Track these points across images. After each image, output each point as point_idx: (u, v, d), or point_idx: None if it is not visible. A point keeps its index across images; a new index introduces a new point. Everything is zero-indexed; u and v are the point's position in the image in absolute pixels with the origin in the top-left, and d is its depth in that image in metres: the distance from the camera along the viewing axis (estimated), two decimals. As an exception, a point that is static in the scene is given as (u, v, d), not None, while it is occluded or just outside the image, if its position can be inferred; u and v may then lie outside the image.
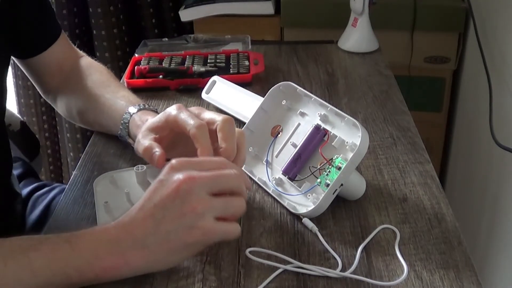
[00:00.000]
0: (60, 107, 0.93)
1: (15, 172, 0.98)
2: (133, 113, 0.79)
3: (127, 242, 0.57)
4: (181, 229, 0.57)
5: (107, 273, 0.57)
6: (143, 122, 0.76)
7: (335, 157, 0.69)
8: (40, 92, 0.96)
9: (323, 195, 0.67)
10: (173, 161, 0.60)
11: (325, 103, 0.72)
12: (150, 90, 1.02)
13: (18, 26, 0.82)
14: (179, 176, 0.58)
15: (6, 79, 0.83)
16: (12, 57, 0.87)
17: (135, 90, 1.00)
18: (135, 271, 0.59)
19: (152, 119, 0.73)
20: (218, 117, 0.68)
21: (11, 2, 0.79)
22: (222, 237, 0.61)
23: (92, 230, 0.59)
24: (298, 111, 0.76)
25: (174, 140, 0.73)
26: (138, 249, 0.57)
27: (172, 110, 0.70)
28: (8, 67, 0.84)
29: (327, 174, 0.68)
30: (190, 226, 0.57)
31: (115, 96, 0.85)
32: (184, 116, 0.68)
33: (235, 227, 0.60)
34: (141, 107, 0.80)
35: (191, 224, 0.57)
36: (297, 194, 0.71)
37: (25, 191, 0.97)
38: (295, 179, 0.72)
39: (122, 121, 0.80)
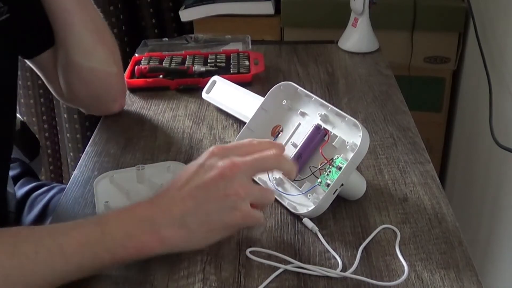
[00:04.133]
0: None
1: (13, 172, 0.98)
2: None
3: (163, 221, 0.58)
4: (222, 211, 0.60)
5: (140, 252, 0.58)
6: None
7: (336, 157, 0.69)
8: (54, 94, 0.95)
9: (323, 195, 0.67)
10: (213, 147, 0.63)
11: (325, 103, 0.72)
12: (150, 90, 1.02)
13: (27, 22, 0.82)
14: (222, 162, 0.61)
15: (17, 82, 0.84)
16: (23, 57, 0.88)
17: (135, 90, 1.00)
18: (170, 249, 0.60)
19: None
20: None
21: (24, 5, 0.80)
22: (254, 223, 0.64)
23: (122, 210, 0.60)
24: (299, 111, 0.75)
25: None
26: (176, 227, 0.58)
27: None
28: (18, 68, 0.85)
29: (327, 174, 0.68)
30: (232, 208, 0.60)
31: None
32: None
33: (262, 216, 0.64)
34: None
35: (233, 206, 0.60)
36: (298, 194, 0.71)
37: (22, 191, 0.97)
38: (296, 179, 0.72)
39: None
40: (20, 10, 0.79)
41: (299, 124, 0.75)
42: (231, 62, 1.07)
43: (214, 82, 0.96)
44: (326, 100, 0.73)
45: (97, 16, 0.87)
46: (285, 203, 0.71)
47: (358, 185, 0.72)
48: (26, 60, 0.89)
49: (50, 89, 0.93)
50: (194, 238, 0.60)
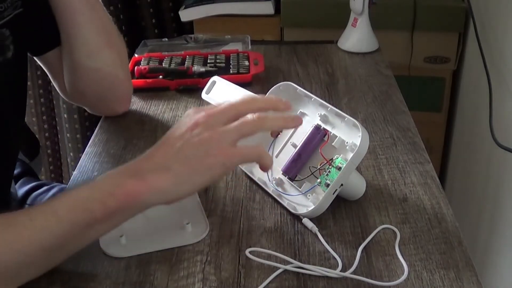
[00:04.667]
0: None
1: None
2: None
3: (148, 167, 0.60)
4: (200, 153, 0.60)
5: (131, 199, 0.58)
6: None
7: (335, 157, 0.69)
8: (59, 91, 0.95)
9: (323, 195, 0.67)
10: (190, 109, 0.65)
11: (325, 103, 0.72)
12: (150, 91, 1.02)
13: (37, 19, 0.82)
14: (196, 115, 0.63)
15: (27, 79, 0.85)
16: (30, 54, 0.88)
17: (135, 90, 1.00)
18: (160, 195, 0.59)
19: None
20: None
21: (38, 2, 0.81)
22: (243, 159, 0.65)
23: (109, 171, 0.61)
24: (298, 111, 0.76)
25: None
26: (160, 171, 0.59)
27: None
28: (27, 64, 0.85)
29: (327, 174, 0.68)
30: (208, 150, 0.60)
31: None
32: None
33: (255, 148, 0.64)
34: None
35: (209, 149, 0.60)
36: (297, 194, 0.71)
37: (23, 191, 0.97)
38: (295, 179, 0.72)
39: None
40: (33, 6, 0.79)
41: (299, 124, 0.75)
42: (231, 62, 1.07)
43: (214, 82, 0.96)
44: (325, 100, 0.73)
45: (106, 18, 0.87)
46: (285, 203, 0.71)
47: (357, 185, 0.72)
48: (34, 57, 0.89)
49: (55, 85, 0.93)
50: (180, 180, 0.60)
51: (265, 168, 0.66)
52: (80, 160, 0.83)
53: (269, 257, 0.64)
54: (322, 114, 0.72)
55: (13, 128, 0.83)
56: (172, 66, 1.06)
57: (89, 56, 0.84)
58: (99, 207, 0.57)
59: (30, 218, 0.57)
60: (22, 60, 0.82)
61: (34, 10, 0.80)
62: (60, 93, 0.93)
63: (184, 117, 0.64)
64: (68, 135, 1.75)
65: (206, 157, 0.60)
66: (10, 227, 0.56)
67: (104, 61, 0.86)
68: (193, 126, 0.62)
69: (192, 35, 1.21)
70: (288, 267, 0.62)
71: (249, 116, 0.63)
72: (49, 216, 0.57)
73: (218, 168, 0.61)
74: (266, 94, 0.78)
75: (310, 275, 0.61)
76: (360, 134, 0.66)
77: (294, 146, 0.73)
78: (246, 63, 1.06)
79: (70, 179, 0.80)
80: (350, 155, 0.67)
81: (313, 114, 0.74)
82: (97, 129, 0.92)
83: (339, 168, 0.67)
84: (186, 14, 1.55)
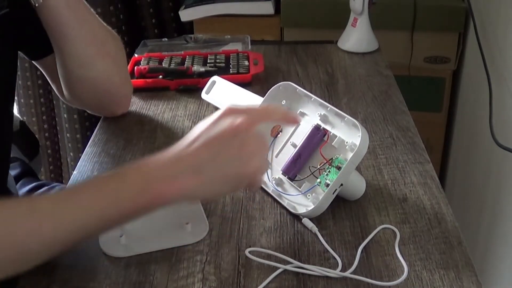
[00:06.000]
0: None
1: (13, 172, 0.98)
2: None
3: (181, 168, 0.59)
4: (236, 162, 0.60)
5: (159, 200, 0.58)
6: None
7: (335, 157, 0.69)
8: (58, 94, 0.95)
9: (323, 195, 0.67)
10: (226, 107, 0.63)
11: (325, 103, 0.72)
12: (150, 91, 1.02)
13: (29, 23, 0.82)
14: (239, 117, 0.61)
15: (16, 77, 0.84)
16: (27, 58, 0.88)
17: (135, 90, 1.00)
18: (187, 196, 0.60)
19: None
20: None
21: (25, 4, 0.80)
22: (259, 181, 0.65)
23: (140, 161, 0.60)
24: (298, 111, 0.75)
25: None
26: (193, 174, 0.59)
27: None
28: (17, 63, 0.85)
29: (327, 174, 0.68)
30: (248, 160, 0.61)
31: None
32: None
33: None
34: None
35: (246, 160, 0.60)
36: (297, 194, 0.71)
37: (23, 191, 0.97)
38: (295, 179, 0.72)
39: None
40: (20, 7, 0.79)
41: (299, 124, 0.75)
42: (231, 62, 1.07)
43: (214, 82, 0.97)
44: (325, 100, 0.73)
45: (97, 28, 0.84)
46: (285, 203, 0.71)
47: (357, 185, 0.72)
48: (33, 62, 0.89)
49: (54, 88, 0.93)
50: (209, 186, 0.60)
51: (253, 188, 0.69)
52: (80, 160, 0.83)
53: (268, 257, 0.64)
54: (322, 114, 0.72)
55: (3, 125, 0.82)
56: (172, 66, 1.06)
57: (81, 66, 0.83)
58: (128, 205, 0.57)
59: (53, 205, 0.56)
60: (7, 60, 0.81)
61: (22, 11, 0.79)
62: (59, 96, 0.93)
63: (223, 114, 0.62)
64: (68, 135, 1.75)
65: (240, 166, 0.60)
66: (33, 213, 0.55)
67: (97, 70, 0.84)
68: (234, 131, 0.60)
69: (192, 35, 1.21)
70: (288, 267, 0.62)
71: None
72: (75, 207, 0.56)
73: (244, 180, 0.62)
74: (266, 94, 0.78)
75: (309, 275, 0.61)
76: (360, 134, 0.66)
77: (294, 146, 0.73)
78: (246, 63, 1.06)
79: (70, 179, 0.80)
80: (349, 155, 0.67)
81: (312, 114, 0.74)
82: (96, 129, 0.92)
83: (339, 168, 0.67)
84: (186, 14, 1.55)
